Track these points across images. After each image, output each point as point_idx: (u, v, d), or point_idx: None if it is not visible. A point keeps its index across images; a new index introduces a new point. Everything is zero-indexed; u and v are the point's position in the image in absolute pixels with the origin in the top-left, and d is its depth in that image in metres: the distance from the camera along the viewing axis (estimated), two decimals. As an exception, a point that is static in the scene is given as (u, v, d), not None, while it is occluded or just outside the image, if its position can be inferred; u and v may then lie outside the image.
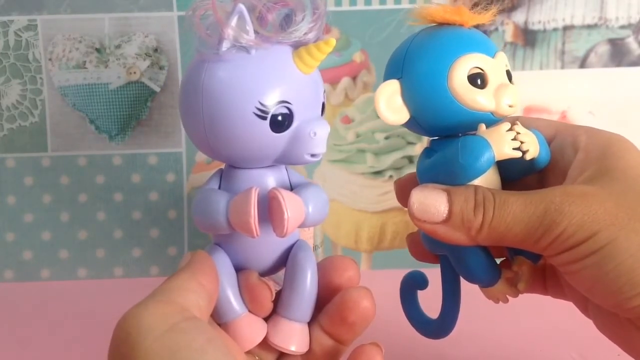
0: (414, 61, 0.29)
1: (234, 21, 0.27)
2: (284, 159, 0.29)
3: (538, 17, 0.54)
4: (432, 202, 0.28)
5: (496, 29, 0.54)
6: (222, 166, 0.31)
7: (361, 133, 0.55)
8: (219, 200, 0.28)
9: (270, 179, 0.29)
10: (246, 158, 0.29)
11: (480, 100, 0.28)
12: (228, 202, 0.28)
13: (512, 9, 0.54)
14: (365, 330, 0.30)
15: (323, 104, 0.30)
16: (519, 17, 0.54)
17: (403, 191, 0.33)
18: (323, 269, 0.30)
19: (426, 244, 0.32)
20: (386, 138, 0.54)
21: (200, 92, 0.27)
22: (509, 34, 0.54)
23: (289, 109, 0.27)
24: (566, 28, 0.54)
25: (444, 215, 0.28)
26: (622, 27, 0.54)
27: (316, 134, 0.28)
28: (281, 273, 0.31)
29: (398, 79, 0.29)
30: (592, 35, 0.54)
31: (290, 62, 0.28)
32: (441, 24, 0.30)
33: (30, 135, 0.55)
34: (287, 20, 0.28)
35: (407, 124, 0.30)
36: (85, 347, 0.44)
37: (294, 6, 0.28)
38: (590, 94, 0.55)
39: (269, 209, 0.28)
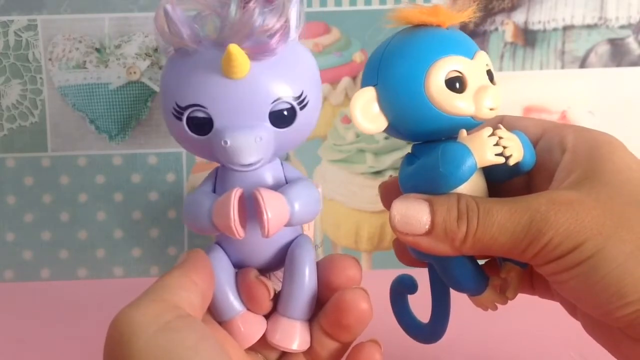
0: (389, 67, 0.28)
1: (164, 23, 0.26)
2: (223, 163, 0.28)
3: (538, 17, 0.54)
4: (414, 213, 0.27)
5: (496, 29, 0.54)
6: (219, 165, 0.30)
7: (361, 133, 0.55)
8: (204, 204, 0.28)
9: (266, 175, 0.29)
10: (197, 155, 0.29)
11: (459, 105, 0.27)
12: (212, 204, 0.27)
13: (512, 9, 0.54)
14: (366, 329, 0.30)
15: (282, 112, 0.27)
16: (519, 17, 0.54)
17: (387, 195, 0.32)
18: (323, 267, 0.30)
19: (412, 253, 0.31)
20: (386, 138, 0.54)
21: None
22: (509, 34, 0.54)
23: (205, 112, 0.27)
24: (566, 28, 0.54)
25: (426, 226, 0.27)
26: (622, 27, 0.54)
27: (228, 143, 0.26)
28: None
29: (374, 85, 0.28)
30: (592, 35, 0.54)
31: (219, 65, 0.26)
32: (418, 26, 0.29)
33: (30, 135, 0.55)
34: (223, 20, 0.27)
35: (387, 131, 0.29)
36: (85, 347, 0.44)
37: (208, 5, 0.27)
38: (590, 94, 0.55)
39: (255, 210, 0.27)
